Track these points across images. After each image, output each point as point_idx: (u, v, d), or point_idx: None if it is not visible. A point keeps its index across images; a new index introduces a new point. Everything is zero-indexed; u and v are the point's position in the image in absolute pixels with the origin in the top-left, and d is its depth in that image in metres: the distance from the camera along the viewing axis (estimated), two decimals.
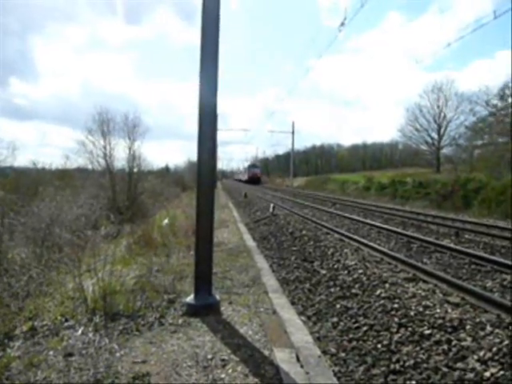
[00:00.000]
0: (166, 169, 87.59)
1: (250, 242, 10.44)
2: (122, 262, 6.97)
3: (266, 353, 3.69)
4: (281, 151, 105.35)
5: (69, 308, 4.61)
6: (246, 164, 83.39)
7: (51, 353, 3.56)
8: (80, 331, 3.98)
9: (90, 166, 30.17)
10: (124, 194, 27.49)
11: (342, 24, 14.10)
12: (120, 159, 30.53)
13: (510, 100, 30.76)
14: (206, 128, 4.67)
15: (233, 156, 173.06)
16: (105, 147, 29.55)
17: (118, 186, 28.13)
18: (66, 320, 4.31)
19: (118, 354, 3.53)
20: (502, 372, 3.44)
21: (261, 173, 73.73)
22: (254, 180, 67.39)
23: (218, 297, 4.84)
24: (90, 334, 3.87)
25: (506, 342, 3.99)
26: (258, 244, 10.59)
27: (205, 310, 4.58)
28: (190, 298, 4.66)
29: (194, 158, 4.84)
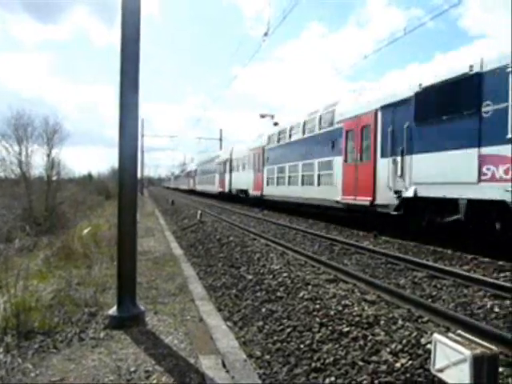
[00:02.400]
0: (89, 176, 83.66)
1: (177, 250, 10.33)
2: (39, 276, 6.58)
3: (192, 361, 3.69)
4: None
5: None
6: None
7: None
8: None
9: (1, 174, 28.07)
10: (42, 204, 25.86)
11: (266, 34, 14.47)
12: (38, 167, 28.73)
13: None
14: (128, 133, 4.58)
15: (160, 162, 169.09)
16: (20, 154, 27.64)
17: (35, 195, 26.40)
18: None
19: (32, 374, 3.34)
20: (410, 362, 3.73)
21: None
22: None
23: (142, 307, 4.75)
24: (1, 356, 3.62)
25: (415, 333, 4.33)
26: (185, 252, 10.49)
27: (128, 321, 4.47)
28: (113, 310, 4.53)
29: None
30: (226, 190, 32.90)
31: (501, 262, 8.17)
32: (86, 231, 11.10)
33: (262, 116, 31.61)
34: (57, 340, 4.04)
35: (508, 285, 6.34)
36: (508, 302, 5.74)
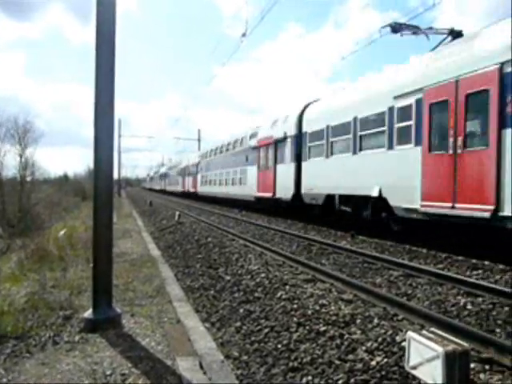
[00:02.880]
0: (65, 177, 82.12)
1: (155, 252, 10.24)
2: (12, 280, 6.43)
3: (169, 363, 3.67)
4: None
5: None
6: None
7: None
8: None
9: None
10: (15, 206, 25.24)
11: (244, 35, 14.49)
12: (11, 167, 28.02)
13: None
14: (103, 132, 4.52)
15: (138, 163, 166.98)
16: None
17: (8, 196, 25.76)
18: None
19: (4, 380, 3.26)
20: (385, 360, 3.79)
21: None
22: None
23: (118, 309, 4.69)
24: None
25: (390, 331, 4.41)
26: (163, 253, 10.41)
27: (104, 324, 4.41)
28: (89, 313, 4.46)
29: None
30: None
31: (474, 261, 8.37)
32: (61, 233, 10.92)
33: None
34: (30, 344, 3.96)
35: (480, 282, 6.50)
36: (480, 299, 5.89)
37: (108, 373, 3.39)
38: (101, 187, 4.53)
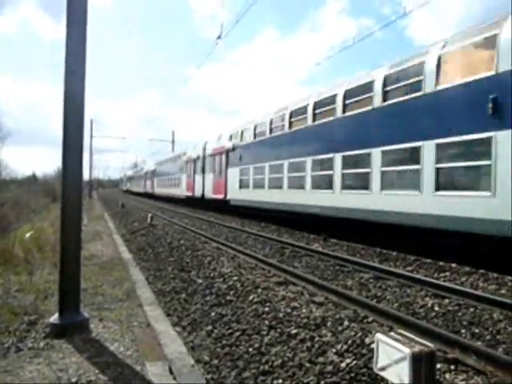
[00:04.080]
0: (33, 177, 79.87)
1: (126, 254, 10.06)
2: None
3: (138, 368, 3.60)
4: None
5: None
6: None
7: None
8: None
9: None
10: None
11: (219, 37, 14.45)
12: None
13: None
14: (73, 132, 4.40)
15: (110, 164, 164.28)
16: None
17: None
18: None
19: None
20: (355, 362, 3.83)
21: None
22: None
23: (86, 314, 4.57)
24: None
25: (360, 333, 4.46)
26: (135, 256, 10.24)
27: (71, 329, 4.29)
28: (55, 318, 4.33)
29: None
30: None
31: (441, 263, 8.59)
32: (28, 235, 10.61)
33: None
34: None
35: (447, 284, 6.67)
36: (447, 300, 6.04)
37: (74, 380, 3.29)
38: (69, 188, 4.42)
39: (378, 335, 3.37)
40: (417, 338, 3.31)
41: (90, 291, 6.10)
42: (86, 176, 66.20)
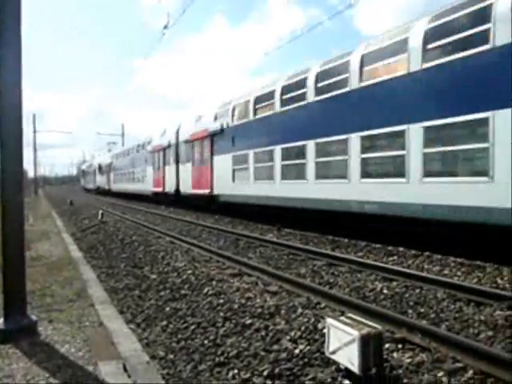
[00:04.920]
0: None
1: (76, 253, 9.75)
2: None
3: (91, 369, 3.52)
4: None
5: None
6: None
7: None
8: None
9: None
10: None
11: (166, 27, 14.16)
12: None
13: None
14: (10, 127, 4.20)
15: (55, 161, 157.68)
16: None
17: None
18: None
19: None
20: (308, 347, 3.94)
21: None
22: None
23: (34, 317, 4.40)
24: None
25: (313, 319, 4.58)
26: (85, 254, 9.93)
27: (18, 333, 4.12)
28: None
29: None
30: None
31: (390, 248, 8.95)
32: None
33: None
34: None
35: (395, 267, 6.97)
36: (395, 283, 6.31)
37: None
38: (9, 186, 4.21)
39: (329, 320, 3.48)
40: (365, 321, 3.45)
41: (37, 293, 5.88)
42: (30, 173, 63.15)
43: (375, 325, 3.39)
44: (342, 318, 3.56)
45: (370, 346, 3.13)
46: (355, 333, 3.14)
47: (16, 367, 3.52)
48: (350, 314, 3.77)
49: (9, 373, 3.40)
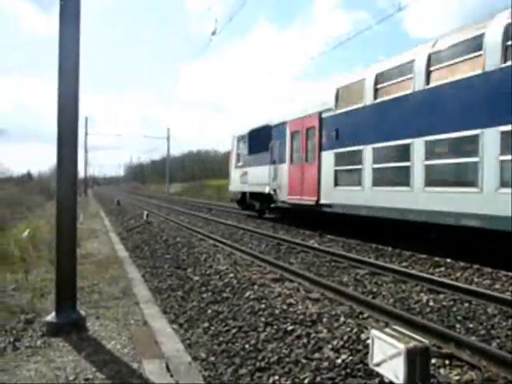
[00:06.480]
0: (28, 175, 79.58)
1: (122, 252, 10.06)
2: None
3: (135, 366, 3.61)
4: (157, 157, 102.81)
5: None
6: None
7: None
8: None
9: None
10: None
11: (214, 33, 14.42)
12: None
13: None
14: (67, 129, 4.39)
15: (104, 162, 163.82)
16: None
17: None
18: None
19: None
20: (351, 357, 3.86)
21: None
22: None
23: (83, 312, 4.58)
24: None
25: (356, 329, 4.49)
26: (131, 254, 10.24)
27: (68, 327, 4.30)
28: (52, 316, 4.34)
29: None
30: None
31: (437, 258, 8.64)
32: (25, 234, 10.58)
33: None
34: None
35: (442, 279, 6.72)
36: (442, 296, 6.08)
37: (71, 378, 3.31)
38: (64, 186, 4.41)
39: (374, 331, 3.40)
40: (412, 334, 3.34)
41: (86, 289, 6.10)
42: (81, 173, 66.04)
43: (421, 338, 3.28)
44: (387, 329, 3.47)
45: (416, 361, 3.03)
46: (401, 346, 3.05)
47: (66, 360, 3.67)
48: (394, 326, 3.67)
49: (60, 365, 3.55)
